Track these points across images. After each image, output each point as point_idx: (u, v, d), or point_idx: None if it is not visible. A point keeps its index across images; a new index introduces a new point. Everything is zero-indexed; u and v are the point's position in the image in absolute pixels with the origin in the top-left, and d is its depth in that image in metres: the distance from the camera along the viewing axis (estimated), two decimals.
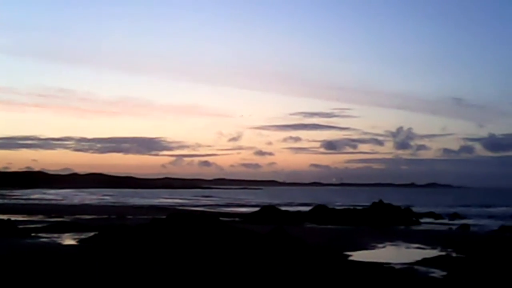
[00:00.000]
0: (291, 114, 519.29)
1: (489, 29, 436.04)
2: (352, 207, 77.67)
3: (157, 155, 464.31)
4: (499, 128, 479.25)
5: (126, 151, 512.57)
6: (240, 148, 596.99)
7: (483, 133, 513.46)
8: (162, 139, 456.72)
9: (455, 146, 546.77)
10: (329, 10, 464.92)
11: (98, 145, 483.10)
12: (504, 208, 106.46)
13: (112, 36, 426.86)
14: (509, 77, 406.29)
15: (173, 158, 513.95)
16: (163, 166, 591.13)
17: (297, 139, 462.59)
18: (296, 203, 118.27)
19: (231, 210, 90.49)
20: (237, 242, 33.08)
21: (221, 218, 47.42)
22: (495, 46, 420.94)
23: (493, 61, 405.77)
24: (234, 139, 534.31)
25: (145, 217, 60.16)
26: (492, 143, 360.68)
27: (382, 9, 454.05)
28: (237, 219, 65.05)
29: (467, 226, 61.44)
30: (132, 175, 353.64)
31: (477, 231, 55.94)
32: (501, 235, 49.28)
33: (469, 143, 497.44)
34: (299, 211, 73.43)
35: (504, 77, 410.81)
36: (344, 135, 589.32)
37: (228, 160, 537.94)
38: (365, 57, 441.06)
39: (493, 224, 64.76)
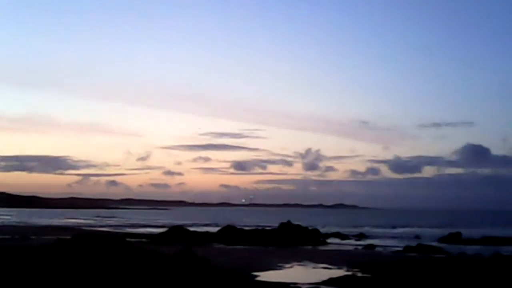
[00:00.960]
0: (200, 134, 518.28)
1: (392, 54, 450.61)
2: (260, 228, 77.76)
3: (62, 174, 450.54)
4: (404, 150, 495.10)
5: (30, 169, 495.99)
6: (148, 168, 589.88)
7: (389, 155, 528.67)
8: (68, 157, 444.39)
9: (362, 167, 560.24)
10: (237, 30, 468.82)
11: (2, 163, 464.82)
12: (408, 229, 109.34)
13: (16, 52, 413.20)
14: (413, 101, 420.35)
15: (79, 177, 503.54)
16: (68, 185, 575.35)
17: (207, 159, 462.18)
18: (204, 224, 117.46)
19: (139, 231, 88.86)
20: (143, 263, 32.23)
21: (127, 239, 46.24)
22: (399, 70, 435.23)
23: (397, 85, 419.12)
24: (142, 158, 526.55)
25: (49, 237, 58.03)
26: (397, 165, 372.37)
27: (289, 32, 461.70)
28: (144, 240, 63.74)
29: (372, 246, 62.56)
30: (36, 195, 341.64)
31: (382, 251, 56.98)
32: (405, 255, 50.31)
33: (375, 165, 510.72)
34: (207, 232, 72.93)
35: (408, 101, 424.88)
36: (253, 155, 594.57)
37: (136, 180, 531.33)
38: (274, 79, 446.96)
39: (398, 244, 66.20)
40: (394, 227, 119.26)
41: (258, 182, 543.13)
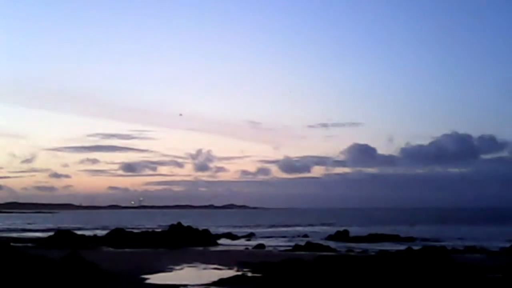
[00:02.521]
0: (88, 136, 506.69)
1: (278, 55, 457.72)
2: (150, 230, 76.70)
3: None
4: (293, 150, 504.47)
5: None
6: (34, 170, 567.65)
7: (279, 155, 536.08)
8: None
9: (252, 168, 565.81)
10: (129, 28, 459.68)
11: None
12: (297, 228, 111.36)
13: None
14: (302, 102, 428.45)
15: None
16: None
17: (95, 161, 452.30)
18: (92, 227, 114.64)
19: (24, 235, 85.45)
20: (29, 269, 30.93)
21: (12, 244, 44.33)
22: (287, 71, 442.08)
23: (287, 86, 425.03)
24: (27, 160, 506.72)
25: None
26: (287, 165, 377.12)
27: (177, 32, 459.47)
28: (30, 244, 61.37)
29: (262, 246, 63.14)
30: None
31: (272, 251, 57.57)
32: (294, 253, 51.02)
33: (266, 165, 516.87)
34: (95, 235, 71.21)
35: (297, 102, 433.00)
36: (143, 157, 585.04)
37: (21, 182, 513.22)
38: (163, 80, 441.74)
39: (287, 243, 67.18)
40: (284, 226, 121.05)
41: (148, 183, 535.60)
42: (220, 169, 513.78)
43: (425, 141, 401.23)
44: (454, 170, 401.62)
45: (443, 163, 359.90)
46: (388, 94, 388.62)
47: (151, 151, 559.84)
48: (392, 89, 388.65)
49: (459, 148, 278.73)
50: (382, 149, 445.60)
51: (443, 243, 61.52)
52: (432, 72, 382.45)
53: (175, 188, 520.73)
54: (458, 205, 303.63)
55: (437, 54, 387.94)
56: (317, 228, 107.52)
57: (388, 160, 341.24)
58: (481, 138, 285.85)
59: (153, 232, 70.39)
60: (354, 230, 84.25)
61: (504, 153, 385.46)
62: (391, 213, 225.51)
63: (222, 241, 72.79)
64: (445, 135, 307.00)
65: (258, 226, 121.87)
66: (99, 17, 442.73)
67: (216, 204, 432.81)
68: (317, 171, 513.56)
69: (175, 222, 70.84)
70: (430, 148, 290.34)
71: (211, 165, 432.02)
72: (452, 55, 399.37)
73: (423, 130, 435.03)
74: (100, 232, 79.30)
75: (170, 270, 37.78)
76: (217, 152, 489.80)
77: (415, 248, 37.65)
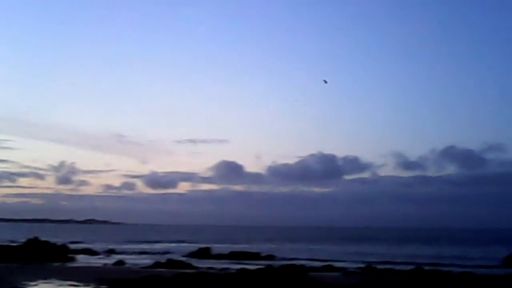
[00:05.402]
0: None
1: (146, 68, 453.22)
2: (5, 244, 73.12)
3: None
4: (160, 165, 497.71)
5: None
6: None
7: (145, 170, 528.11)
8: None
9: (117, 182, 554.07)
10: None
11: None
12: (159, 244, 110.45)
13: None
14: (170, 116, 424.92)
15: None
16: None
17: None
18: None
19: None
20: None
21: None
22: (161, 85, 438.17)
23: (154, 99, 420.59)
24: None
25: None
26: (153, 180, 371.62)
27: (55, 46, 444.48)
28: None
29: (122, 262, 62.00)
30: None
31: (132, 267, 56.63)
32: (154, 270, 50.42)
33: (131, 179, 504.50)
34: None
35: (165, 116, 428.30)
36: (2, 168, 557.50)
37: None
38: (28, 89, 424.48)
39: (148, 260, 66.32)
40: (145, 242, 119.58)
41: (5, 195, 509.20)
42: (83, 183, 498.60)
43: (292, 160, 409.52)
44: (318, 189, 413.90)
45: (308, 182, 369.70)
46: (257, 112, 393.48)
47: (11, 162, 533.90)
48: (261, 107, 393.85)
49: (324, 168, 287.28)
50: (250, 167, 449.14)
51: (301, 262, 62.96)
52: (299, 92, 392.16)
53: (34, 201, 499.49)
54: (320, 224, 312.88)
55: (304, 74, 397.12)
56: (179, 245, 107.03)
57: (255, 177, 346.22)
58: (345, 158, 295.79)
59: (7, 246, 67.21)
60: (216, 248, 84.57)
61: (366, 174, 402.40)
62: (255, 231, 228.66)
63: (80, 257, 70.72)
64: (311, 155, 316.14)
65: (118, 242, 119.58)
66: None
67: (76, 219, 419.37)
68: (183, 187, 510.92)
69: (31, 236, 68.05)
70: (296, 167, 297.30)
71: (74, 178, 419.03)
72: (319, 76, 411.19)
73: (290, 149, 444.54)
74: None
75: (24, 286, 36.20)
76: (81, 165, 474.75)
77: (275, 266, 38.32)
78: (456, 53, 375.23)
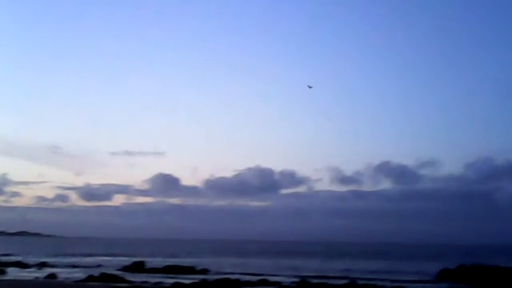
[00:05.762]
0: None
1: (79, 80, 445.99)
2: None
3: None
4: (95, 177, 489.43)
5: None
6: None
7: (80, 182, 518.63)
8: None
9: (50, 194, 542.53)
10: None
11: None
12: (93, 257, 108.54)
13: None
14: (106, 127, 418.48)
15: None
16: None
17: None
18: None
19: None
20: None
21: None
22: (94, 97, 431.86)
23: (92, 111, 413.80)
24: None
25: None
26: (88, 192, 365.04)
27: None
28: None
29: (54, 275, 60.81)
30: None
31: (64, 281, 55.64)
32: (87, 284, 49.69)
33: (65, 191, 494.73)
34: None
35: (101, 127, 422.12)
36: None
37: None
38: None
39: (81, 273, 65.14)
40: (78, 255, 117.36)
41: None
42: (15, 194, 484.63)
43: (229, 174, 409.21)
44: (254, 203, 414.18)
45: (245, 196, 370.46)
46: (194, 125, 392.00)
47: None
48: (198, 120, 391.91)
49: (261, 182, 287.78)
50: (186, 180, 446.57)
51: (236, 276, 62.83)
52: (236, 105, 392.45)
53: None
54: (256, 238, 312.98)
55: (237, 87, 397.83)
56: (113, 259, 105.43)
57: (192, 191, 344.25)
58: (282, 173, 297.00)
59: None
60: (151, 262, 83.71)
61: (302, 188, 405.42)
62: (191, 245, 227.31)
63: (11, 269, 68.96)
64: (248, 169, 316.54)
65: (51, 254, 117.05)
66: None
67: (8, 231, 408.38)
68: (118, 199, 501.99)
69: None
70: (233, 181, 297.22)
71: (6, 189, 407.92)
72: (253, 90, 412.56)
73: (227, 163, 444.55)
74: None
75: None
76: (13, 176, 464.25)
77: (210, 280, 38.23)
78: (391, 69, 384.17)
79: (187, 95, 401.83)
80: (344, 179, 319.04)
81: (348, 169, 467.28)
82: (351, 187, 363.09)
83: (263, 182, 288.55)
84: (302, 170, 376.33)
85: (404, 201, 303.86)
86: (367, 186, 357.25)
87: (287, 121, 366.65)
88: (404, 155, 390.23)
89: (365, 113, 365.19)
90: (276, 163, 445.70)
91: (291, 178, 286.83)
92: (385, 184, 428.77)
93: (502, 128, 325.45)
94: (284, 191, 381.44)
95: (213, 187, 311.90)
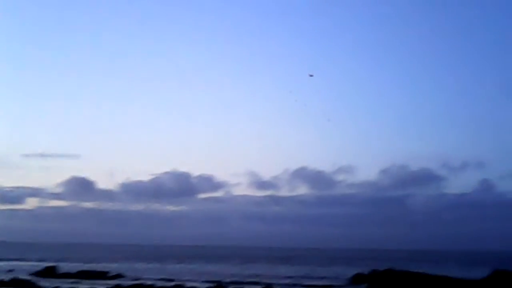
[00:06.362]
0: None
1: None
2: None
3: None
4: (7, 180, 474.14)
5: None
6: None
7: None
8: None
9: None
10: None
11: None
12: (3, 262, 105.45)
13: None
14: (18, 129, 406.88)
15: None
16: None
17: None
18: None
19: None
20: None
21: None
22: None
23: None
24: None
25: None
26: (1, 195, 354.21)
27: None
28: None
29: None
30: None
31: None
32: None
33: None
34: None
35: (13, 129, 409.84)
36: None
37: None
38: None
39: None
40: None
41: None
42: None
43: (145, 177, 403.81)
44: (171, 207, 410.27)
45: (162, 200, 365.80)
46: (110, 127, 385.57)
47: None
48: (114, 122, 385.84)
49: (178, 186, 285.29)
50: (102, 183, 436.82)
51: (151, 281, 62.25)
52: (155, 108, 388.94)
53: None
54: (173, 243, 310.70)
55: (158, 91, 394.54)
56: (25, 263, 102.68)
57: (108, 194, 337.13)
58: (200, 177, 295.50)
59: None
60: (63, 266, 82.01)
61: (220, 193, 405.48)
62: (106, 249, 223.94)
63: None
64: (165, 173, 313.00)
65: None
66: None
67: None
68: (31, 203, 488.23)
69: None
70: (149, 185, 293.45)
71: None
72: (173, 93, 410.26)
73: (144, 166, 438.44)
74: None
75: None
76: None
77: (123, 285, 37.87)
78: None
79: (104, 95, 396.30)
80: (262, 184, 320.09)
81: (266, 174, 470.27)
82: (269, 192, 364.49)
83: (180, 186, 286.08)
84: (220, 174, 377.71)
85: (321, 206, 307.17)
86: (284, 191, 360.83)
87: (204, 125, 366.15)
88: (321, 160, 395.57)
89: (283, 119, 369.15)
90: (194, 167, 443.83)
91: (209, 182, 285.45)
92: (302, 189, 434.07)
93: (415, 136, 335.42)
94: (202, 196, 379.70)
95: (129, 191, 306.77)
